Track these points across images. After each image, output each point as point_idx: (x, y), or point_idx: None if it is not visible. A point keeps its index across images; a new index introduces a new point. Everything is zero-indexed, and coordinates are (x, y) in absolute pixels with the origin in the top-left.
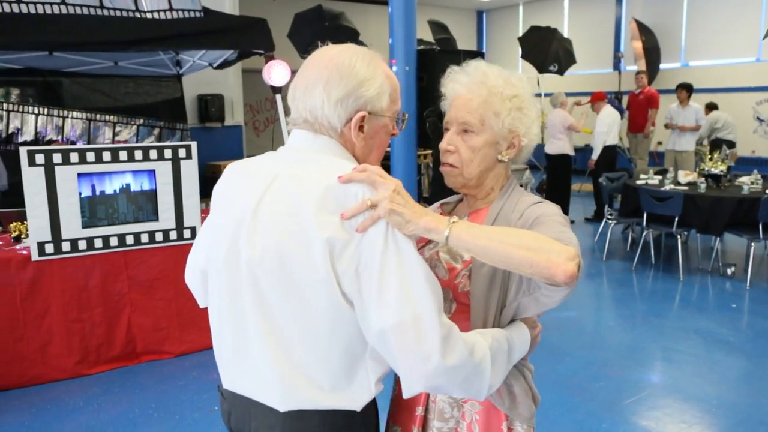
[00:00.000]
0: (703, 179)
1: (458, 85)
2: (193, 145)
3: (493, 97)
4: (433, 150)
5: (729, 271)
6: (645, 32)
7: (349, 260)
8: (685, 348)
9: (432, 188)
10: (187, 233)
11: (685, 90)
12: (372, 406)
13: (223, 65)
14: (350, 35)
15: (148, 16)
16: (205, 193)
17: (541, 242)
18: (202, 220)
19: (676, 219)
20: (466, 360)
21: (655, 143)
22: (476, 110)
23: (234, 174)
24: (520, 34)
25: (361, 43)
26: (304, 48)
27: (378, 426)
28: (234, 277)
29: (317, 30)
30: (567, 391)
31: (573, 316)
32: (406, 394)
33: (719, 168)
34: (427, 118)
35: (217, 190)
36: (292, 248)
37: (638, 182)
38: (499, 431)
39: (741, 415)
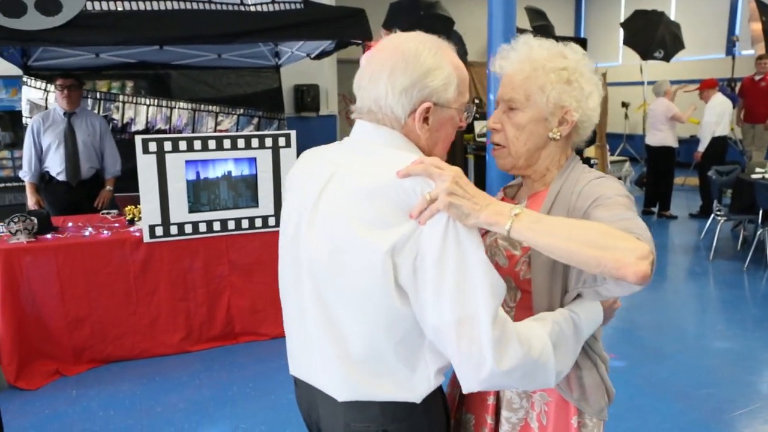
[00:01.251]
0: None
1: (505, 62)
2: (293, 133)
3: (538, 71)
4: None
5: None
6: (765, 12)
7: (407, 253)
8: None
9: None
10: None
11: None
12: (436, 396)
13: (320, 56)
14: (446, 24)
15: (252, 9)
16: None
17: (609, 239)
18: None
19: None
20: (521, 359)
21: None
22: (520, 86)
23: (301, 163)
24: (622, 20)
25: (456, 33)
26: None
27: (447, 415)
28: (296, 268)
29: (413, 19)
30: (668, 396)
31: (675, 318)
32: (465, 390)
33: None
34: None
35: (288, 177)
36: (349, 248)
37: (753, 176)
38: (569, 425)
39: None
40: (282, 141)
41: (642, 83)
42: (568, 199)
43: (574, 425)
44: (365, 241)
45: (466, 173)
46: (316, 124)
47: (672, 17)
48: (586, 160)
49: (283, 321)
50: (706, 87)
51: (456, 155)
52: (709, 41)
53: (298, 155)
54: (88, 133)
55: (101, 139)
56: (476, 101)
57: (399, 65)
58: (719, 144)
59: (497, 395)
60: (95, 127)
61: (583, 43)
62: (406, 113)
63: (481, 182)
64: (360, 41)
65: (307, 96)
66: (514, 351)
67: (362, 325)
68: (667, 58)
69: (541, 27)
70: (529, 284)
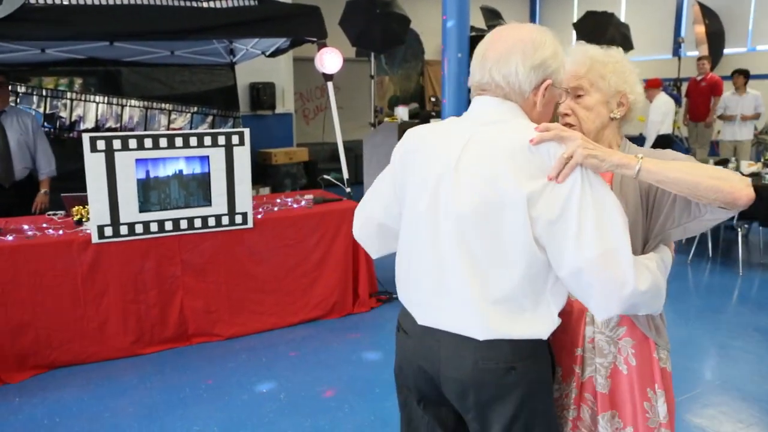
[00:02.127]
0: (767, 170)
1: (567, 58)
2: (246, 131)
3: (597, 64)
4: None
5: None
6: (709, 16)
7: (542, 208)
8: (743, 345)
9: None
10: (238, 218)
11: (743, 76)
12: (548, 339)
13: (275, 53)
14: (402, 23)
15: (205, 5)
16: (255, 180)
17: (722, 173)
18: (255, 206)
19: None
20: (652, 282)
21: (716, 132)
22: (584, 76)
23: (420, 138)
24: (575, 20)
25: (413, 32)
26: (356, 35)
27: (553, 355)
28: (435, 227)
29: (369, 18)
30: None
31: None
32: (603, 316)
33: None
34: None
35: (405, 149)
36: (494, 201)
37: None
38: (652, 359)
39: None
40: (235, 139)
41: None
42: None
43: (656, 358)
44: (507, 193)
45: None
46: (273, 122)
47: (622, 19)
48: None
49: (400, 281)
50: (650, 87)
51: None
52: (657, 42)
53: (252, 153)
54: (21, 132)
55: (34, 138)
56: (432, 99)
57: (528, 49)
58: (664, 142)
59: (584, 347)
60: (27, 126)
61: None
62: (532, 87)
63: None
64: (315, 39)
65: (263, 94)
66: (646, 275)
67: (504, 270)
68: None
69: (496, 26)
70: None
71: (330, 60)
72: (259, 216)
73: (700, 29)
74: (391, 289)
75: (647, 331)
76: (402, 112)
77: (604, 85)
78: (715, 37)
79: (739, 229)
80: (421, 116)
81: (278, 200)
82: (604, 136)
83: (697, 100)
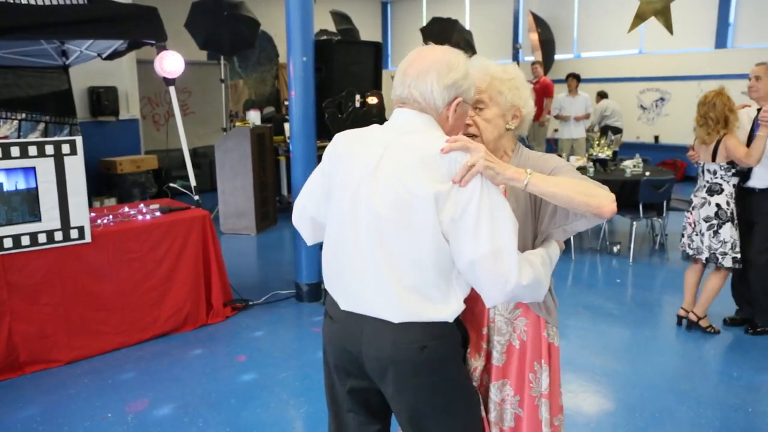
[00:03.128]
0: (591, 163)
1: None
2: (78, 140)
3: (495, 81)
4: None
5: (615, 249)
6: (540, 24)
7: (449, 208)
8: (575, 323)
9: None
10: (74, 233)
11: (575, 79)
12: (458, 321)
13: (112, 56)
14: (251, 25)
15: (24, 1)
16: (99, 191)
17: (592, 189)
18: (93, 219)
19: None
20: (533, 277)
21: (552, 131)
22: (485, 91)
23: (348, 141)
24: (424, 25)
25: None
26: (204, 38)
27: (466, 336)
28: (356, 224)
29: (216, 20)
30: None
31: None
32: (489, 304)
33: (606, 153)
34: (326, 109)
35: (333, 152)
36: (407, 200)
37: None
38: (541, 336)
39: (621, 381)
40: (66, 148)
41: None
42: None
43: (545, 336)
44: (418, 194)
45: (278, 174)
46: (117, 128)
47: (466, 26)
48: None
49: (326, 271)
50: None
51: (266, 158)
52: (498, 48)
53: (93, 162)
54: None
55: None
56: (286, 102)
57: (443, 69)
58: None
59: (488, 326)
60: None
61: (378, 47)
62: (444, 104)
63: (288, 181)
64: (154, 42)
65: (105, 99)
66: (527, 269)
67: (415, 262)
68: None
69: (346, 30)
70: None
71: (170, 63)
72: (99, 229)
73: (534, 37)
74: (247, 296)
75: (539, 311)
76: (254, 117)
77: (501, 100)
78: (547, 44)
79: None
80: (275, 120)
81: (121, 211)
82: (501, 144)
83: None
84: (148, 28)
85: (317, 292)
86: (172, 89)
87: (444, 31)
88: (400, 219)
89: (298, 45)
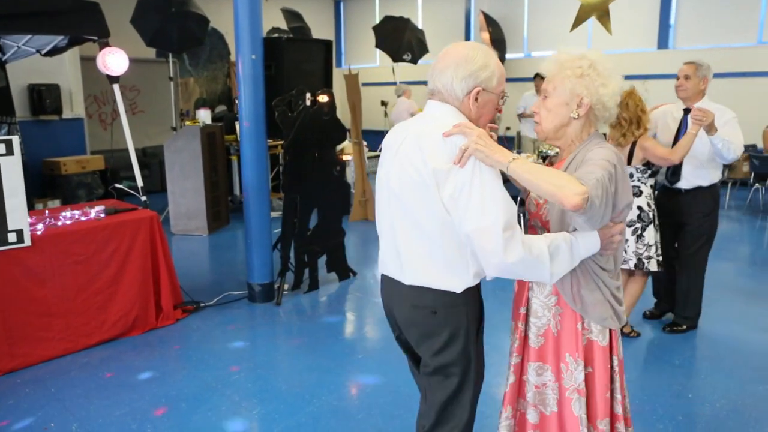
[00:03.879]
0: (541, 160)
1: (542, 64)
2: (15, 139)
3: (561, 69)
4: (284, 140)
5: None
6: (492, 24)
7: (449, 186)
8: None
9: (286, 178)
10: (12, 237)
11: (542, 79)
12: (476, 296)
13: (53, 52)
14: (200, 22)
15: None
16: (42, 193)
17: (563, 180)
18: (33, 222)
19: (518, 198)
20: (521, 255)
21: (504, 128)
22: (549, 81)
23: (390, 131)
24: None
25: (217, 33)
26: (150, 35)
27: (482, 313)
28: (382, 198)
29: (164, 17)
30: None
31: None
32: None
33: (554, 150)
34: (276, 107)
35: (383, 143)
36: (414, 178)
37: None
38: (575, 329)
39: None
40: (2, 148)
41: (395, 83)
42: (578, 164)
43: (579, 329)
44: (422, 171)
45: (230, 174)
46: (60, 128)
47: (419, 25)
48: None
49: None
50: None
51: (217, 157)
52: None
53: (35, 163)
54: None
55: None
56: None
57: (461, 63)
58: None
59: (527, 307)
60: None
61: (328, 45)
62: (464, 94)
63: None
64: (96, 38)
65: (47, 97)
66: (517, 249)
67: (422, 233)
68: (414, 60)
69: (298, 28)
70: (548, 223)
71: (114, 60)
72: (39, 232)
73: (485, 36)
74: (198, 298)
75: (572, 304)
76: (204, 115)
77: (563, 88)
78: (498, 43)
79: None
80: (227, 119)
81: (64, 214)
82: (566, 134)
83: None
84: (89, 23)
85: (270, 292)
86: (116, 87)
87: (396, 30)
88: (409, 194)
89: (246, 43)
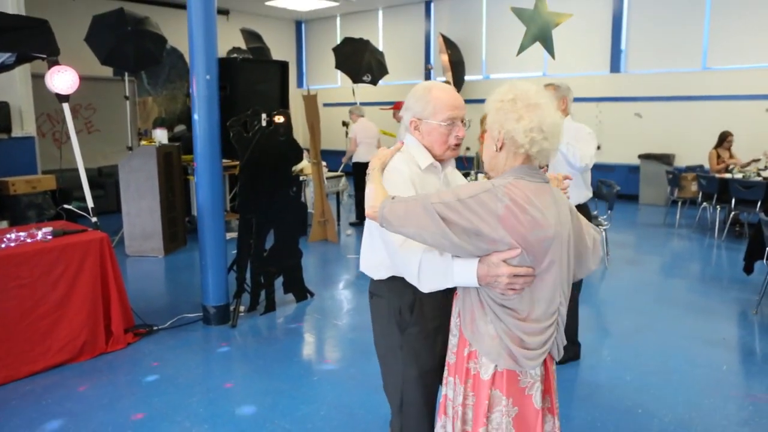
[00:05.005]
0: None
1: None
2: None
3: (488, 102)
4: (240, 161)
5: None
6: (451, 46)
7: None
8: None
9: (241, 199)
10: None
11: None
12: (399, 287)
13: (0, 69)
14: (156, 41)
15: None
16: None
17: (373, 195)
18: None
19: None
20: (395, 248)
21: (464, 149)
22: (487, 116)
23: None
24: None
25: (176, 51)
26: (105, 53)
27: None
28: None
29: (119, 34)
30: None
31: None
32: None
33: None
34: (231, 128)
35: None
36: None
37: None
38: (462, 354)
39: None
40: None
41: (356, 104)
42: None
43: (464, 354)
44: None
45: (187, 195)
46: (9, 146)
47: (379, 47)
48: (296, 177)
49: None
50: (398, 107)
51: (174, 177)
52: (411, 68)
53: None
54: None
55: None
56: None
57: (408, 98)
58: None
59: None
60: None
61: (284, 66)
62: (407, 125)
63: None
64: (45, 56)
65: None
66: (394, 237)
67: (367, 241)
68: (374, 81)
69: (257, 49)
70: None
71: (62, 79)
72: None
73: (445, 58)
74: (152, 321)
75: (463, 326)
76: (161, 135)
77: (489, 121)
78: (457, 65)
79: None
80: (185, 138)
81: (9, 236)
82: (497, 166)
83: None
84: (37, 40)
85: (225, 314)
86: (65, 106)
87: (356, 52)
88: None
89: (201, 63)
